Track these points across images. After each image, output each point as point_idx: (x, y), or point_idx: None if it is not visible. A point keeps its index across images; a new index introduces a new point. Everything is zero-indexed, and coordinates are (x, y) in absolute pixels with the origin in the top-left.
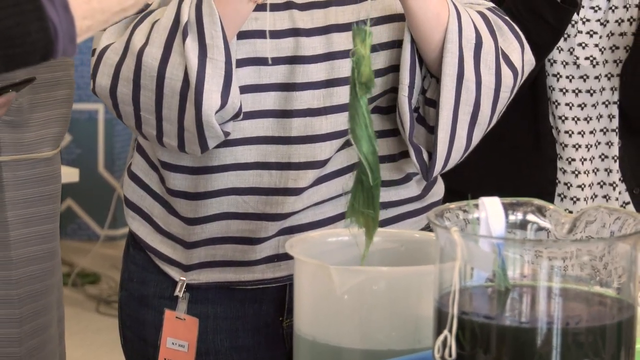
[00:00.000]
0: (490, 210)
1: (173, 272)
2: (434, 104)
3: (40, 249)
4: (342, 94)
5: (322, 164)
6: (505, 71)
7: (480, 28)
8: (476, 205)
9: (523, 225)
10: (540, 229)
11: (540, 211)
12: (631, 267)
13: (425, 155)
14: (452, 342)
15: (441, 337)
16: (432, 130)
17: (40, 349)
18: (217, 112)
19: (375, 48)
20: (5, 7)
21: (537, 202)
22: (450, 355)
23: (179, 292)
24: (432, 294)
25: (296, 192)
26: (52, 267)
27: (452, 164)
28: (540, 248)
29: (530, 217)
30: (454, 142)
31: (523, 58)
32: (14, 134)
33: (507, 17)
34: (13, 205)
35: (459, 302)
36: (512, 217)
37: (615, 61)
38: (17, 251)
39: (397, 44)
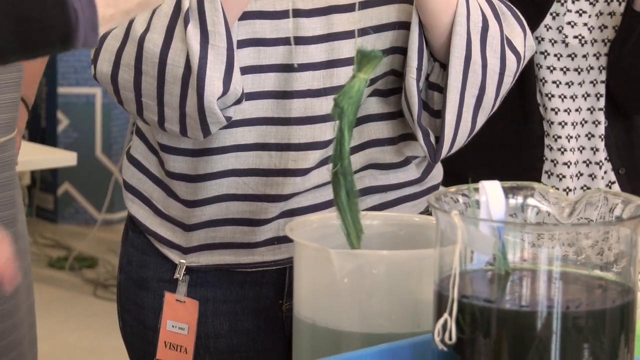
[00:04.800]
0: (491, 194)
1: (173, 255)
2: (436, 88)
3: None
4: (342, 75)
5: (323, 145)
6: (510, 56)
7: (486, 12)
8: (476, 189)
9: (523, 208)
10: (540, 212)
11: (541, 195)
12: (631, 251)
13: (432, 138)
14: (452, 326)
15: (441, 321)
16: (435, 114)
17: (5, 335)
18: (219, 98)
19: (378, 29)
20: None
21: (538, 185)
22: (450, 339)
23: (179, 274)
24: (432, 277)
25: (296, 173)
26: (15, 252)
27: (457, 147)
28: (541, 232)
29: (531, 200)
30: (460, 125)
31: (525, 43)
32: None
33: (509, 3)
34: None
35: (459, 286)
36: (512, 201)
37: (603, 40)
38: None
39: (397, 26)
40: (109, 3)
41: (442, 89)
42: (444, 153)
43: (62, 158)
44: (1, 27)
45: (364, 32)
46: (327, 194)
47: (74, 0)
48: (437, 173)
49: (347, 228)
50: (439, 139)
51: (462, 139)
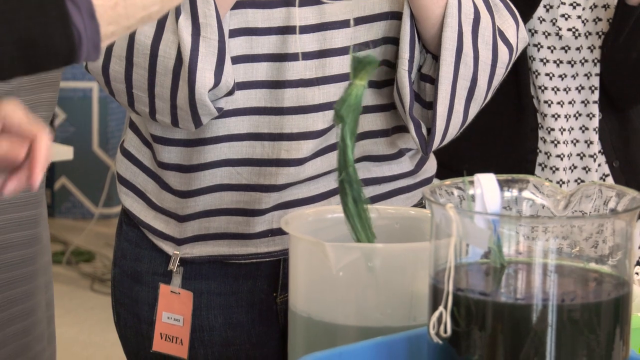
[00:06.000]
0: (486, 187)
1: (167, 247)
2: (428, 79)
3: (18, 236)
4: (334, 65)
5: (316, 135)
6: (502, 47)
7: (478, 3)
8: (471, 182)
9: (518, 201)
10: (535, 205)
11: (536, 187)
12: (627, 243)
13: (424, 130)
14: (447, 319)
15: (436, 314)
16: (427, 105)
17: (26, 333)
18: (210, 90)
19: (370, 19)
20: (30, 12)
21: (533, 178)
22: (445, 332)
23: (173, 266)
24: (428, 270)
25: (290, 163)
26: (33, 254)
27: (448, 138)
28: (536, 224)
29: (526, 193)
30: (451, 116)
31: (517, 35)
32: None
33: None
34: None
35: (454, 279)
36: (507, 194)
37: (597, 33)
38: None
39: (390, 16)
40: (111, 21)
41: (434, 81)
42: (435, 145)
43: (58, 152)
44: (6, 52)
45: (356, 22)
46: (323, 185)
47: (76, 19)
48: (431, 165)
49: (357, 235)
50: (431, 130)
51: (453, 131)
